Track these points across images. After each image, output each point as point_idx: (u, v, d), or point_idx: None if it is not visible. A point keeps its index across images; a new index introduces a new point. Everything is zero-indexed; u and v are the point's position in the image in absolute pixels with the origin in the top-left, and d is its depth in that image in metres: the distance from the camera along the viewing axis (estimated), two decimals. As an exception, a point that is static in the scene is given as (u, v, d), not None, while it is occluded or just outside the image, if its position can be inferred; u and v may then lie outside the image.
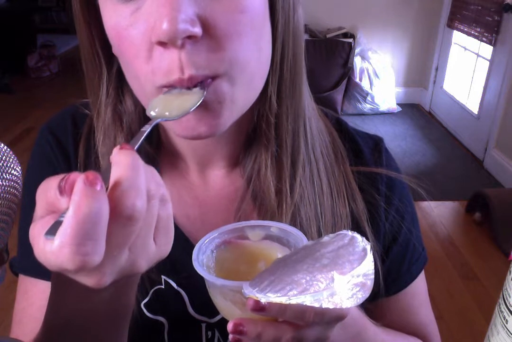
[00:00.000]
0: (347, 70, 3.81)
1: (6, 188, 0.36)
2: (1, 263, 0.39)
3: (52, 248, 0.32)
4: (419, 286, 0.68)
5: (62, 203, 0.34)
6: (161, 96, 0.48)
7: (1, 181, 0.35)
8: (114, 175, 0.34)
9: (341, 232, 0.44)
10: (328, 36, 3.84)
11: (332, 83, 3.81)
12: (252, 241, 0.49)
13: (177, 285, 0.60)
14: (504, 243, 2.32)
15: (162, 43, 0.43)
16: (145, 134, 0.42)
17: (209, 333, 0.61)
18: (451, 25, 3.78)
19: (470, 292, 2.10)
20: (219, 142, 0.58)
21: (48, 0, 6.80)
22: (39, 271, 0.60)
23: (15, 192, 0.37)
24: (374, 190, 0.63)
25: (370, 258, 0.40)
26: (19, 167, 0.38)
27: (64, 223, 0.32)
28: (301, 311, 0.39)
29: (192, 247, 0.59)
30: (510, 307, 0.44)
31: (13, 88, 4.52)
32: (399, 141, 3.54)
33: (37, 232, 0.34)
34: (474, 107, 3.47)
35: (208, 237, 0.47)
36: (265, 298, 0.37)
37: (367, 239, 0.60)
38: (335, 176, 0.61)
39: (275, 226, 0.48)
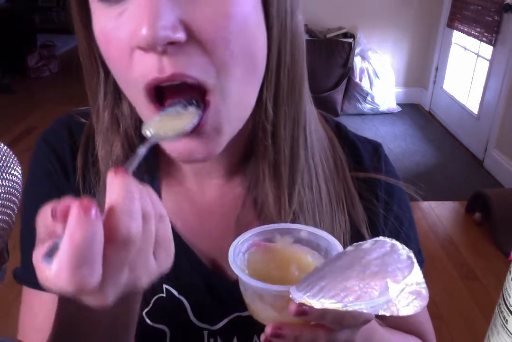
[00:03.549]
0: (347, 70, 3.81)
1: (6, 188, 0.36)
2: (1, 263, 0.39)
3: (51, 273, 0.34)
4: None
5: (57, 228, 0.35)
6: (156, 117, 0.47)
7: (1, 181, 0.35)
8: (108, 202, 0.36)
9: (378, 238, 0.43)
10: (328, 36, 3.84)
11: (332, 83, 3.81)
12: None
13: (178, 293, 0.60)
14: (504, 243, 2.32)
15: (142, 48, 0.43)
16: (141, 156, 0.42)
17: (211, 340, 0.61)
18: (451, 25, 3.78)
19: (470, 292, 2.10)
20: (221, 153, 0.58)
21: (48, 0, 6.80)
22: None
23: (15, 192, 0.37)
24: (373, 196, 0.62)
25: (417, 266, 0.39)
26: (19, 167, 0.38)
27: (60, 249, 0.33)
28: (341, 316, 0.39)
29: (192, 254, 0.60)
30: (510, 307, 0.44)
31: (13, 88, 4.52)
32: (399, 142, 3.54)
33: (38, 258, 0.35)
34: (474, 107, 3.46)
35: (241, 239, 0.47)
36: (319, 304, 0.37)
37: None
38: (334, 183, 0.60)
39: (305, 230, 0.48)
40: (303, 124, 0.56)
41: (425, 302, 0.37)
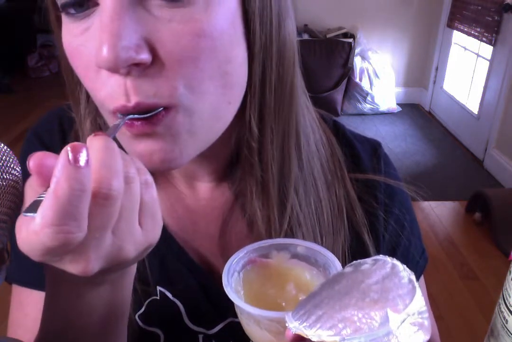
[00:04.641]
0: (347, 70, 3.82)
1: (6, 188, 0.36)
2: (2, 263, 0.38)
3: (33, 227, 0.31)
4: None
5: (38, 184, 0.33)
6: None
7: (1, 181, 0.35)
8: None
9: (378, 257, 0.41)
10: (328, 36, 3.84)
11: (332, 83, 3.81)
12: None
13: (172, 296, 0.58)
14: (504, 243, 2.32)
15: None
16: (118, 127, 0.41)
17: None
18: (451, 25, 3.78)
19: (470, 292, 2.10)
20: (203, 160, 0.56)
21: (48, 0, 6.79)
22: (33, 280, 0.59)
23: (15, 191, 0.37)
24: (373, 198, 0.60)
25: (419, 292, 0.37)
26: (19, 167, 0.38)
27: (45, 202, 0.31)
28: None
29: (186, 256, 0.58)
30: (510, 307, 0.44)
31: (13, 88, 4.52)
32: (399, 142, 3.54)
33: (20, 222, 0.33)
34: (474, 107, 3.47)
35: (235, 257, 0.45)
36: (316, 337, 0.35)
37: (368, 250, 0.58)
38: (335, 189, 0.58)
39: (302, 245, 0.46)
40: (295, 140, 0.53)
41: (428, 335, 0.35)
